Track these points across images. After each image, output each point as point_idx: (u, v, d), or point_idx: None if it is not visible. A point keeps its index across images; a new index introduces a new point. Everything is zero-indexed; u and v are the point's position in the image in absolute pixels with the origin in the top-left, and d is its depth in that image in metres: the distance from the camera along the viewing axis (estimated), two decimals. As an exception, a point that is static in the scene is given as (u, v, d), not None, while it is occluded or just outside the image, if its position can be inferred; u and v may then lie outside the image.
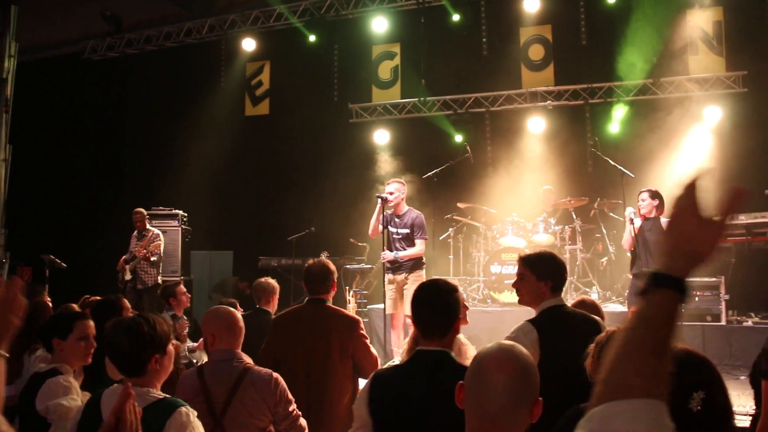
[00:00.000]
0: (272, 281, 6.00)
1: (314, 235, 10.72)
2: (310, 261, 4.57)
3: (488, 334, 7.85)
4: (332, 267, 4.50)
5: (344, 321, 4.33)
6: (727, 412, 1.78)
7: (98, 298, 6.01)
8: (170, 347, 2.71)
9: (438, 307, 2.80)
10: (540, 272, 3.66)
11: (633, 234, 7.16)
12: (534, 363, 1.90)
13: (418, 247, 7.52)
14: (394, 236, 7.61)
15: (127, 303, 4.64)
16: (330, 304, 4.44)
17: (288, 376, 3.65)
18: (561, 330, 3.47)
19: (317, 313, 4.34)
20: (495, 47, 11.31)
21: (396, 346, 7.41)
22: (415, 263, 7.56)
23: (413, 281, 7.42)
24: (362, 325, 4.38)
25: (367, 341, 4.34)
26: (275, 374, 3.50)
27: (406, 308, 7.49)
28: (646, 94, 10.54)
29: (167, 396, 2.63)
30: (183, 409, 2.54)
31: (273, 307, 5.97)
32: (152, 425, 2.47)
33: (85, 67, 13.25)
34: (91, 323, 3.54)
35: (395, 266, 7.55)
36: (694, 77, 10.22)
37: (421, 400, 2.58)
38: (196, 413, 2.58)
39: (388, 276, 7.60)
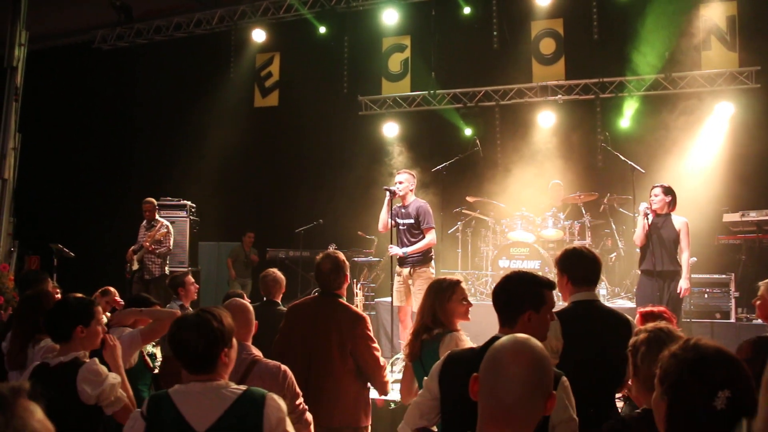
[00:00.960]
0: (279, 273, 5.97)
1: (322, 227, 10.71)
2: (320, 255, 4.50)
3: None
4: (342, 260, 4.44)
5: (348, 317, 4.27)
6: (753, 413, 1.72)
7: (111, 288, 6.07)
8: (234, 340, 2.69)
9: (508, 296, 2.94)
10: (560, 267, 3.71)
11: (646, 229, 7.10)
12: (548, 356, 1.92)
13: (427, 239, 7.40)
14: (400, 227, 7.55)
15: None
16: (342, 299, 4.37)
17: (289, 368, 3.63)
18: (586, 323, 3.46)
19: (326, 307, 4.31)
20: (506, 40, 11.24)
21: (403, 339, 7.37)
22: (422, 258, 7.45)
23: (418, 276, 7.38)
24: (368, 324, 4.29)
25: (371, 342, 4.24)
26: (283, 367, 3.48)
27: (413, 304, 7.45)
28: (657, 90, 10.46)
29: (248, 387, 2.59)
30: (271, 395, 2.53)
31: (279, 299, 5.95)
32: (250, 418, 2.45)
33: (94, 56, 13.24)
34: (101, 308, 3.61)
35: (401, 259, 7.51)
36: (706, 73, 10.13)
37: None
38: (281, 397, 2.57)
39: (397, 268, 7.57)
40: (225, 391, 2.51)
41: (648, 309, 4.05)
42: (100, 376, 3.22)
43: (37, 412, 1.31)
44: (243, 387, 2.56)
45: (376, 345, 4.28)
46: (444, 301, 3.78)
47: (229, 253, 12.03)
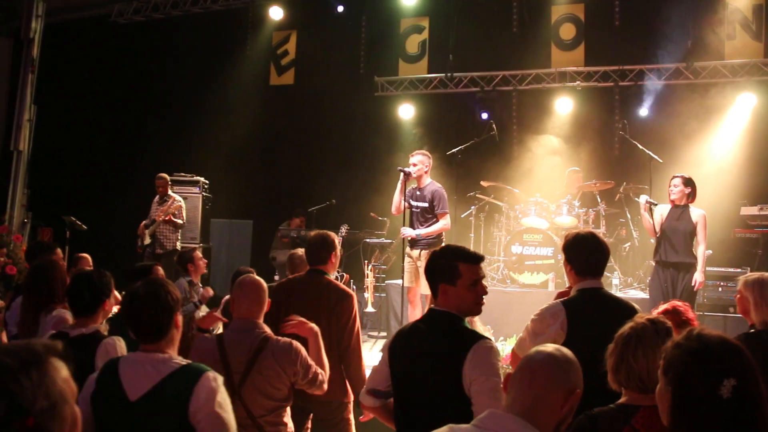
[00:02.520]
0: None
1: (335, 207, 10.67)
2: (312, 232, 4.55)
3: (508, 314, 7.78)
4: (332, 238, 4.45)
5: (336, 293, 4.25)
6: (759, 401, 1.74)
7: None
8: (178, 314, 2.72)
9: (427, 270, 3.14)
10: (564, 254, 3.66)
11: (650, 222, 7.05)
12: (577, 367, 2.10)
13: (441, 224, 7.35)
14: (414, 210, 7.49)
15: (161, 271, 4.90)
16: (329, 276, 4.36)
17: None
18: (591, 313, 3.38)
19: (313, 284, 4.30)
20: (525, 24, 11.10)
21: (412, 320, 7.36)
22: (434, 241, 7.39)
23: (426, 259, 7.34)
24: (353, 302, 4.27)
25: (353, 320, 4.22)
26: (295, 343, 3.48)
27: (422, 287, 7.42)
28: (678, 79, 10.31)
29: (190, 362, 2.60)
30: (210, 374, 2.50)
31: None
32: (180, 392, 2.44)
33: (111, 30, 13.18)
34: None
35: (412, 241, 7.47)
36: (729, 62, 9.96)
37: (423, 354, 2.90)
38: (222, 378, 2.55)
39: (407, 249, 7.54)
40: (168, 363, 2.54)
41: (663, 308, 3.93)
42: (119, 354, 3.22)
43: (64, 371, 1.36)
44: (185, 361, 2.58)
45: (357, 326, 4.28)
46: None
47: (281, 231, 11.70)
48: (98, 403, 2.52)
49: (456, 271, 2.95)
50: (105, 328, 3.52)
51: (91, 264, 6.33)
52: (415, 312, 7.46)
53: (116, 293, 3.82)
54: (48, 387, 1.34)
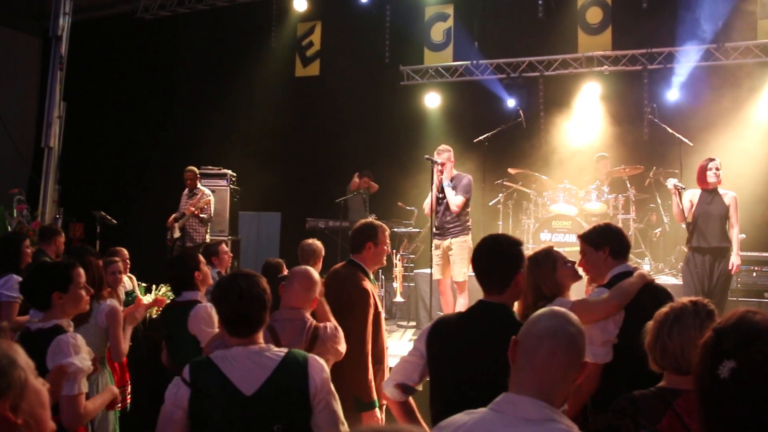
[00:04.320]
0: (318, 243, 5.97)
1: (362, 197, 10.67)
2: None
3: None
4: (370, 225, 4.31)
5: (353, 287, 4.12)
6: (759, 385, 1.64)
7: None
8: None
9: (497, 261, 2.83)
10: (596, 241, 3.63)
11: (680, 207, 6.91)
12: (582, 330, 1.98)
13: (459, 199, 7.36)
14: (440, 200, 7.50)
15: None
16: (357, 267, 4.22)
17: None
18: (638, 297, 3.40)
19: (344, 275, 4.23)
20: (551, 9, 10.98)
21: (443, 311, 7.36)
22: (462, 228, 7.44)
23: (458, 246, 7.38)
24: (368, 299, 4.08)
25: (365, 318, 4.03)
26: (336, 324, 3.58)
27: (454, 274, 7.41)
28: (708, 60, 10.11)
29: (287, 349, 2.64)
30: (312, 356, 2.62)
31: (318, 269, 5.92)
32: (297, 380, 2.52)
33: (137, 26, 13.31)
34: (82, 271, 3.46)
35: (440, 231, 7.45)
36: (761, 43, 9.75)
37: (472, 346, 2.71)
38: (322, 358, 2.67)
39: (435, 241, 7.52)
40: (268, 353, 2.54)
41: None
42: (69, 353, 3.04)
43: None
44: (284, 350, 2.59)
45: (368, 322, 4.06)
46: (548, 273, 3.58)
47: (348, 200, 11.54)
48: (204, 405, 2.46)
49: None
50: (70, 325, 3.31)
51: (126, 257, 6.42)
52: (447, 299, 7.45)
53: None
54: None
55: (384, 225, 4.40)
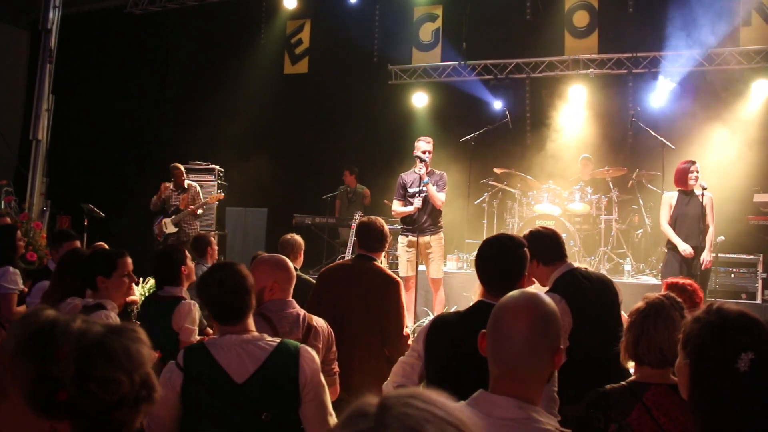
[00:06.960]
0: (298, 237, 5.95)
1: (348, 194, 10.73)
2: (366, 218, 4.58)
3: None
4: (380, 224, 4.49)
5: (381, 279, 4.26)
6: None
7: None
8: None
9: (509, 265, 2.87)
10: (533, 253, 3.60)
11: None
12: (556, 311, 1.91)
13: (443, 195, 7.39)
14: (421, 195, 7.31)
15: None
16: (377, 262, 4.40)
17: None
18: (578, 291, 3.52)
19: (360, 269, 4.30)
20: (539, 12, 11.09)
21: (435, 310, 7.42)
22: (439, 225, 7.53)
23: (437, 243, 7.48)
24: (400, 289, 4.27)
25: (400, 307, 4.20)
26: (329, 327, 3.56)
27: (433, 271, 7.47)
28: (692, 66, 10.26)
29: (279, 338, 2.69)
30: (304, 347, 2.66)
31: (299, 264, 5.92)
32: (288, 369, 2.58)
33: (126, 20, 13.30)
34: (130, 261, 3.79)
35: (421, 229, 7.35)
36: (744, 49, 9.91)
37: (473, 347, 2.67)
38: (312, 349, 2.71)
39: (409, 238, 7.46)
40: (261, 343, 2.59)
41: (673, 280, 4.03)
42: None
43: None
44: (277, 339, 2.65)
45: (404, 312, 4.25)
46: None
47: (337, 196, 11.54)
48: (195, 390, 2.52)
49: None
50: (114, 308, 3.64)
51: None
52: (412, 300, 7.19)
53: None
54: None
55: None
